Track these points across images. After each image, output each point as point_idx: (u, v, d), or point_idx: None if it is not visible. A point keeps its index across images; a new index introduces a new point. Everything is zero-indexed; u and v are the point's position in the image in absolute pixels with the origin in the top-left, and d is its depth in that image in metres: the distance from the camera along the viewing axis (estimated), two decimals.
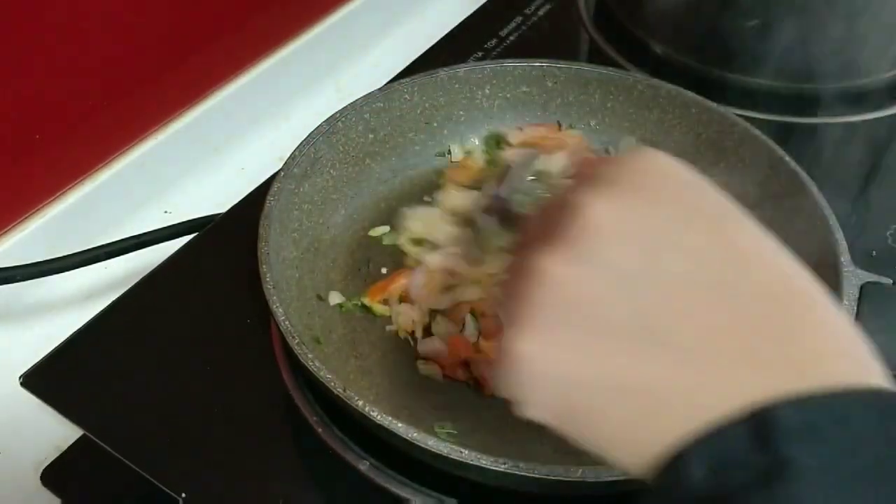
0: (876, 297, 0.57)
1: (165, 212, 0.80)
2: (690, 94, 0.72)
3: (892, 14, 0.81)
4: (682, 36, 0.83)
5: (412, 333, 0.63)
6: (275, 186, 0.62)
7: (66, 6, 0.66)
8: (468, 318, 0.63)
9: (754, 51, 0.83)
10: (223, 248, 0.70)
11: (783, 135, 0.82)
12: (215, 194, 0.80)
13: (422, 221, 0.69)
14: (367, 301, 0.65)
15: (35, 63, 0.66)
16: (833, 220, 0.62)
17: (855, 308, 0.56)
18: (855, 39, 0.82)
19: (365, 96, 0.70)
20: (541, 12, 0.95)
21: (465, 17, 0.95)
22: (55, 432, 0.60)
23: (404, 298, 0.64)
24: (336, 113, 0.68)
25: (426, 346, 0.62)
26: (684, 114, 0.73)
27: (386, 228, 0.71)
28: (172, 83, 0.79)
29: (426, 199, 0.73)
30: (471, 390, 0.61)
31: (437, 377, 0.61)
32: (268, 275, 0.57)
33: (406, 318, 0.63)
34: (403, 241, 0.69)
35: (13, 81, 0.65)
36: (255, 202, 0.63)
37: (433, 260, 0.66)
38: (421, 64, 0.86)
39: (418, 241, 0.69)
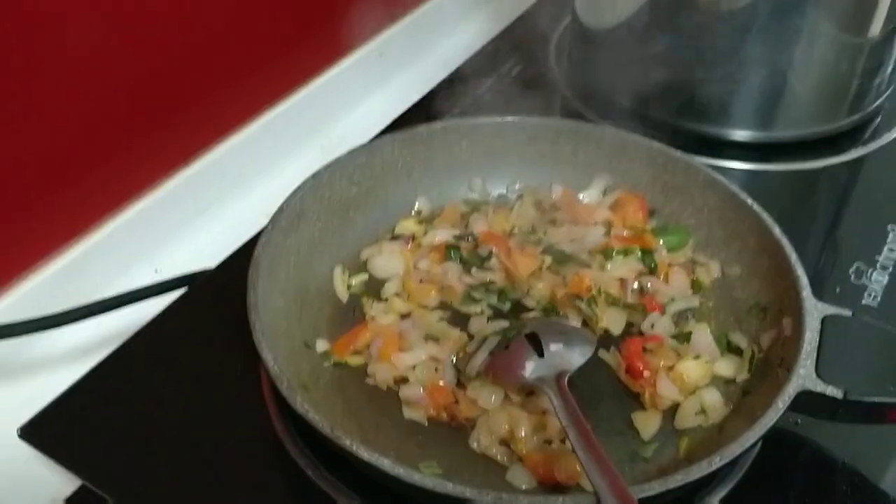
0: (837, 329, 0.60)
1: (156, 270, 0.82)
2: (656, 143, 0.76)
3: (847, 64, 0.86)
4: (647, 91, 0.87)
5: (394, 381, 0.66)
6: (263, 238, 0.65)
7: (60, 67, 0.69)
8: (447, 364, 0.66)
9: (716, 103, 0.87)
10: (213, 302, 0.72)
11: (748, 180, 0.86)
12: (205, 251, 0.82)
13: (384, 258, 0.73)
14: (336, 357, 0.67)
15: (29, 128, 0.69)
16: (794, 258, 0.65)
17: (817, 339, 0.59)
18: (812, 90, 0.87)
19: (349, 152, 0.73)
20: (514, 72, 1.00)
21: (442, 78, 1.00)
22: (53, 483, 0.61)
23: (383, 354, 0.66)
24: (321, 167, 0.71)
25: (407, 392, 0.64)
26: (651, 162, 0.77)
27: (365, 276, 0.74)
28: (163, 145, 0.82)
29: (386, 236, 0.76)
30: (455, 431, 0.63)
31: (422, 420, 0.64)
32: (257, 323, 0.59)
33: (383, 374, 0.66)
34: (355, 284, 0.72)
35: (9, 146, 0.68)
36: (243, 256, 0.66)
37: (385, 319, 0.69)
38: (402, 123, 0.90)
39: (378, 285, 0.72)
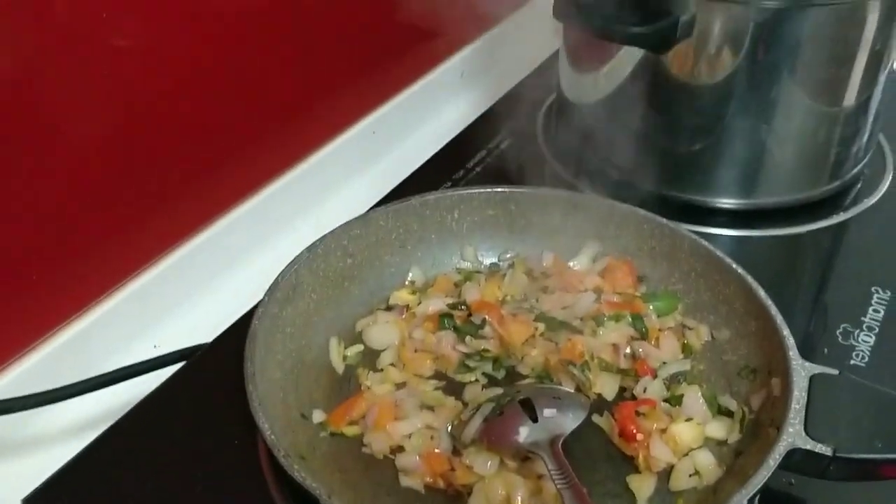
0: (825, 388, 0.61)
1: (155, 346, 0.83)
2: (642, 211, 0.78)
3: (825, 133, 0.88)
4: (632, 161, 0.90)
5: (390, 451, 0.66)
6: (259, 310, 0.67)
7: (61, 148, 0.72)
8: (442, 432, 0.67)
9: (698, 172, 0.90)
10: (211, 374, 0.73)
11: (733, 245, 0.88)
12: (203, 326, 0.83)
13: (379, 328, 0.74)
14: (333, 428, 0.67)
15: (30, 206, 0.71)
16: (780, 320, 0.66)
17: (806, 397, 0.60)
18: (792, 158, 0.90)
19: (343, 224, 0.75)
20: (503, 145, 1.03)
21: (433, 152, 1.03)
22: None
23: (378, 424, 0.67)
24: (316, 240, 0.73)
25: (403, 461, 0.65)
26: (638, 230, 0.79)
27: (360, 347, 0.75)
28: (161, 223, 0.84)
29: (381, 306, 0.78)
30: (452, 498, 0.63)
31: (419, 488, 0.64)
32: (254, 393, 0.60)
33: (379, 444, 0.66)
34: (350, 355, 0.73)
35: (10, 224, 0.70)
36: (240, 330, 0.67)
37: (380, 389, 0.70)
38: (395, 195, 0.92)
39: (373, 355, 0.73)
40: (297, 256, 0.72)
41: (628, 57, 0.87)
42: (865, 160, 0.96)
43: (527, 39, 1.27)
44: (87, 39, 0.70)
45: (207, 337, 0.78)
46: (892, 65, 0.88)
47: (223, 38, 0.83)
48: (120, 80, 0.74)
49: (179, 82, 0.80)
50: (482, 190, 0.81)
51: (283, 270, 0.70)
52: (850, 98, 0.86)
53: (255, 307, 0.67)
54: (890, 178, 0.98)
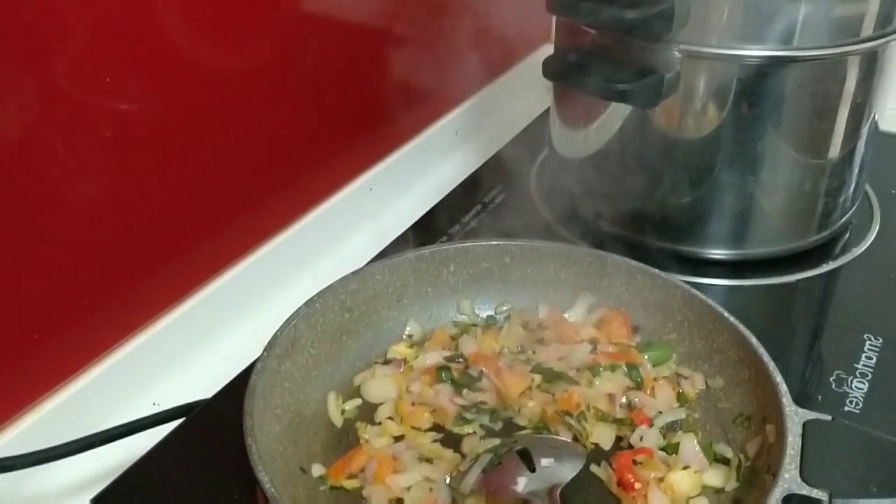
0: (819, 433, 0.62)
1: (154, 403, 0.84)
2: (634, 262, 0.80)
3: (811, 184, 0.90)
4: (624, 214, 0.92)
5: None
6: (258, 365, 0.67)
7: (59, 212, 0.73)
8: (441, 483, 0.67)
9: (689, 224, 0.91)
10: (210, 430, 0.73)
11: (725, 295, 0.90)
12: (201, 383, 0.84)
13: (377, 382, 0.75)
14: (332, 481, 0.67)
15: (29, 269, 0.72)
16: (773, 367, 0.67)
17: (800, 443, 0.61)
18: (780, 209, 0.92)
19: (340, 279, 0.77)
20: (497, 200, 1.05)
21: (428, 208, 1.04)
22: None
23: (378, 477, 0.67)
24: (314, 295, 0.74)
25: None
26: (631, 281, 0.80)
27: (358, 401, 0.75)
28: (159, 283, 0.85)
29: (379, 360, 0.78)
30: None
31: None
32: (253, 447, 0.61)
33: (379, 497, 0.66)
34: (349, 409, 0.74)
35: (10, 286, 0.71)
36: (239, 385, 0.68)
37: (379, 442, 0.71)
38: (391, 250, 0.93)
39: (372, 409, 0.74)
40: (296, 311, 0.73)
41: (617, 113, 0.89)
42: (853, 210, 0.98)
43: (518, 98, 1.31)
44: (90, 102, 0.73)
45: (207, 393, 0.78)
46: (874, 117, 0.90)
47: (224, 100, 0.85)
48: (121, 141, 0.76)
49: (180, 144, 0.82)
50: (477, 243, 0.83)
51: (281, 325, 0.71)
52: (835, 150, 0.89)
53: (255, 362, 0.68)
54: (877, 227, 1.00)
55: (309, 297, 0.74)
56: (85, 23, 0.70)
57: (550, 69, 0.88)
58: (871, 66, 0.84)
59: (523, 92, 1.32)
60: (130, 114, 0.76)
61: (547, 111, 1.06)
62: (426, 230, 0.99)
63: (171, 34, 0.78)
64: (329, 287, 0.76)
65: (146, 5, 0.74)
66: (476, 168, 1.14)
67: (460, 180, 1.11)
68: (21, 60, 0.66)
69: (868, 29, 0.82)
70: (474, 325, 0.82)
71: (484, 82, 1.29)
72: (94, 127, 0.73)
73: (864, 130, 0.90)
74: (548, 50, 0.94)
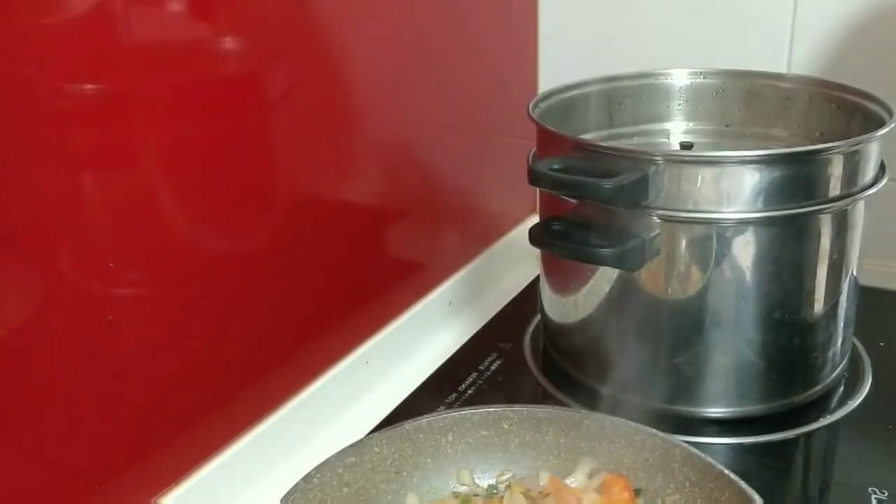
0: None
1: None
2: (632, 423, 0.80)
3: (799, 340, 0.92)
4: (618, 376, 0.93)
5: None
6: None
7: (68, 377, 0.73)
8: None
9: (682, 384, 0.92)
10: None
11: (725, 452, 0.89)
12: None
13: None
14: None
15: (50, 437, 0.72)
16: None
17: None
18: (770, 366, 0.93)
19: (338, 452, 0.76)
20: (493, 367, 1.06)
21: (426, 377, 1.05)
22: None
23: None
24: (312, 469, 0.74)
25: None
26: (630, 441, 0.80)
27: None
28: (156, 465, 0.84)
29: None
30: None
31: None
32: None
33: None
34: None
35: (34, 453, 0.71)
36: None
37: None
38: (390, 421, 0.93)
39: None
40: (294, 487, 0.72)
41: (603, 278, 0.92)
42: (843, 363, 0.99)
43: (508, 267, 1.35)
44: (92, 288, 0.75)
45: None
46: (853, 273, 0.93)
47: (221, 283, 0.88)
48: (119, 326, 0.78)
49: (177, 326, 0.84)
50: (475, 410, 0.83)
51: (279, 501, 0.70)
52: (819, 306, 0.91)
53: None
54: (870, 378, 1.01)
55: (306, 472, 0.74)
56: (88, 213, 0.74)
57: (535, 237, 0.92)
58: (841, 224, 0.88)
59: (514, 260, 1.36)
60: (130, 298, 0.78)
61: (537, 278, 1.09)
62: (423, 400, 1.00)
63: (175, 224, 0.82)
64: (326, 461, 0.75)
65: (149, 199, 0.78)
66: (471, 336, 1.16)
67: (456, 349, 1.12)
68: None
69: (836, 189, 0.86)
70: (475, 495, 0.81)
71: (476, 252, 1.33)
72: (95, 311, 0.75)
73: (845, 286, 0.92)
74: (536, 219, 0.99)
